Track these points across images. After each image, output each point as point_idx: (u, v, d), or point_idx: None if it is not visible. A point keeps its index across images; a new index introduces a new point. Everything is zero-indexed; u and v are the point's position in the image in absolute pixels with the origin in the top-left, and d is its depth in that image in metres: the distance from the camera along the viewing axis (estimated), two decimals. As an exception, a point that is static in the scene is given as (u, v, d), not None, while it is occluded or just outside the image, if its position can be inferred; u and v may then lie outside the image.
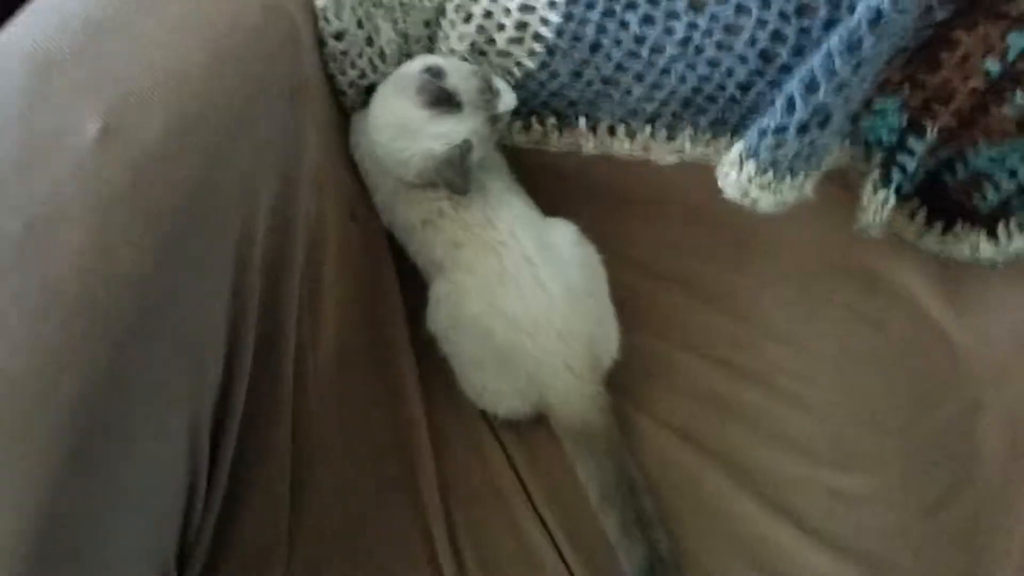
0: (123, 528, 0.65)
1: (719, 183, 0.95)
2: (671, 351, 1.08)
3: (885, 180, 1.01)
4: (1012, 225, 1.06)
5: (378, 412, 0.98)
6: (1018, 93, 0.93)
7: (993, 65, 0.91)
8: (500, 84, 1.00)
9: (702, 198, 1.03)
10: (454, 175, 0.95)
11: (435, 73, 0.97)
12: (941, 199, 1.08)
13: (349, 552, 0.90)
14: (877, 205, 1.02)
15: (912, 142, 0.98)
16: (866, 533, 1.01)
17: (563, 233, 1.02)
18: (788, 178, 0.94)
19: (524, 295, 0.96)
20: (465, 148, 0.95)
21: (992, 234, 1.07)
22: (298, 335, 0.88)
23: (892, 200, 1.01)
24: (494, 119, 0.98)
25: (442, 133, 0.96)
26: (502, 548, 0.94)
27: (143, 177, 0.66)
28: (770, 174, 0.92)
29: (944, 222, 1.10)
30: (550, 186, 1.11)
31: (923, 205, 1.09)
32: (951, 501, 1.04)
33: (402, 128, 0.96)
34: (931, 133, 0.96)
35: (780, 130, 0.89)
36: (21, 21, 0.72)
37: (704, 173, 1.04)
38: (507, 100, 1.00)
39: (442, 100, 0.95)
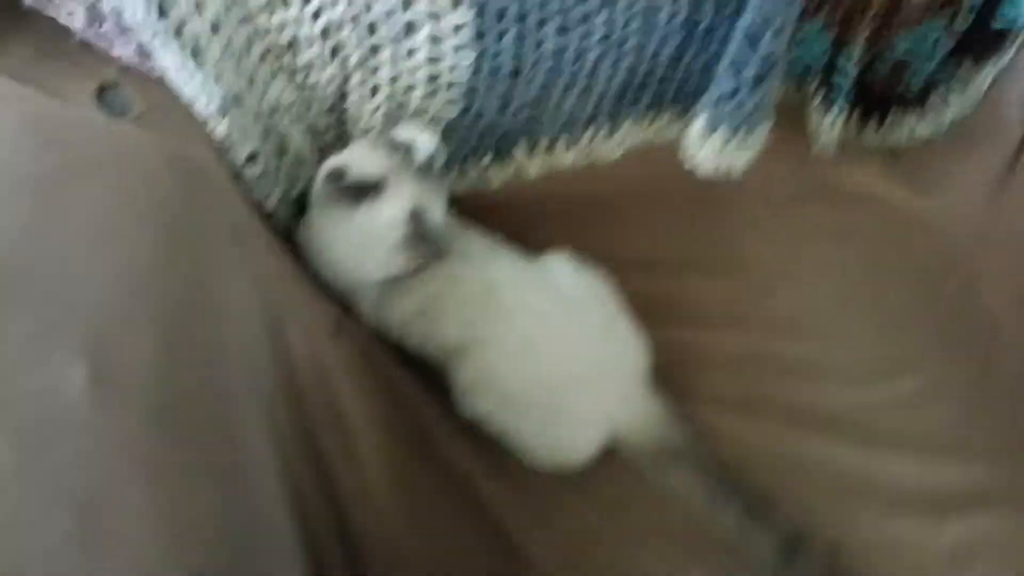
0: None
1: (688, 164, 0.92)
2: (695, 333, 1.06)
3: (827, 103, 1.00)
4: (938, 98, 1.08)
5: (453, 514, 0.91)
6: (922, -21, 0.93)
7: (896, -41, 0.91)
8: (406, 133, 0.91)
9: (655, 179, 1.00)
10: (426, 248, 0.88)
11: (337, 176, 0.88)
12: (869, 95, 1.09)
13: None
14: (827, 127, 1.02)
15: (842, 61, 0.98)
16: (936, 425, 1.02)
17: (560, 267, 0.97)
18: (753, 133, 0.92)
19: (555, 353, 0.91)
20: (417, 217, 0.88)
21: (924, 114, 1.09)
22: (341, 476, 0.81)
23: (840, 118, 1.00)
24: (426, 169, 0.90)
25: (387, 220, 0.88)
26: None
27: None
28: (737, 136, 0.90)
29: (879, 115, 1.11)
30: (507, 221, 1.05)
31: (856, 106, 1.09)
32: (991, 368, 1.06)
33: (354, 245, 0.89)
34: (858, 44, 0.96)
35: (734, 93, 0.87)
36: None
37: (649, 155, 1.01)
38: (421, 144, 0.90)
39: (360, 193, 0.87)
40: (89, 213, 0.70)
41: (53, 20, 0.83)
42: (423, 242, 0.88)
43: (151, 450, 0.60)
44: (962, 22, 0.96)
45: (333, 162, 0.89)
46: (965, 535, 0.94)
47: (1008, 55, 1.01)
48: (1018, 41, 0.99)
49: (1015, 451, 0.99)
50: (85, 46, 0.83)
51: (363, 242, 0.89)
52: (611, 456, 0.96)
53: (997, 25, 0.97)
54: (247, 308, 0.77)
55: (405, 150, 0.88)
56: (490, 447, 0.95)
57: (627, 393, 0.94)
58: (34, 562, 0.52)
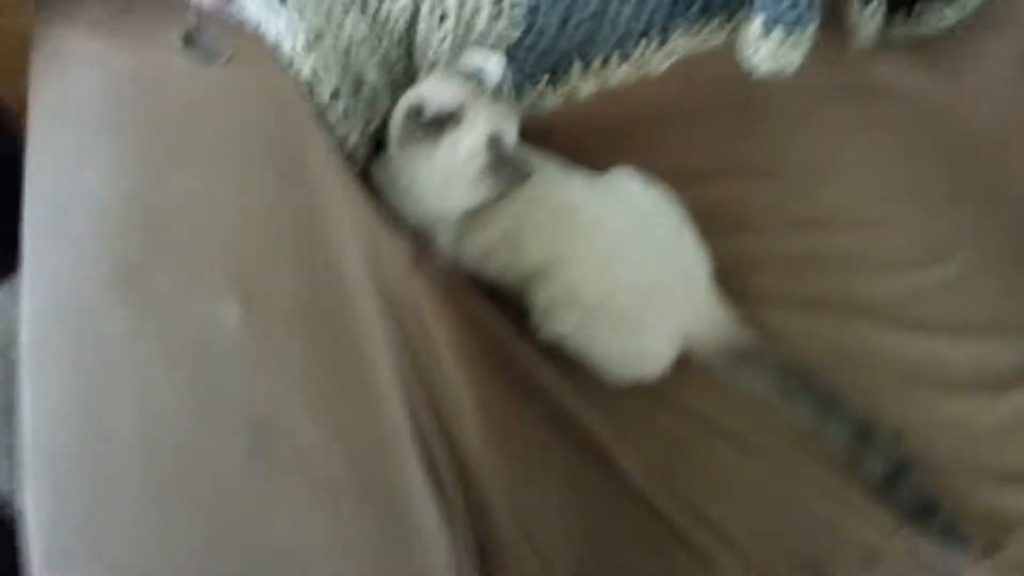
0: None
1: (748, 64, 0.95)
2: (747, 238, 1.10)
3: (867, -5, 1.03)
4: (964, -16, 1.12)
5: (544, 432, 0.95)
6: None
7: None
8: (474, 60, 0.93)
9: (695, 90, 1.03)
10: (509, 172, 0.91)
11: (416, 111, 0.90)
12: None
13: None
14: (868, 18, 1.05)
15: (882, -52, 1.00)
16: (982, 304, 1.08)
17: (626, 183, 1.00)
18: (806, 30, 0.95)
19: (638, 261, 0.95)
20: (496, 142, 0.90)
21: (949, 1, 1.13)
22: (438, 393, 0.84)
23: (882, 7, 1.03)
24: (497, 93, 0.92)
25: (468, 148, 0.90)
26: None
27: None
28: (795, 33, 0.93)
29: (907, 7, 1.15)
30: (559, 144, 1.07)
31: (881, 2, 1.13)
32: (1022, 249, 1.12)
33: (438, 178, 0.91)
34: (896, -67, 0.99)
35: (789, -10, 0.89)
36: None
37: (688, 67, 1.04)
38: (491, 69, 0.93)
39: (438, 126, 0.90)
40: (201, 156, 0.72)
41: (126, -25, 0.83)
42: (505, 167, 0.90)
43: (307, 368, 0.63)
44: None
45: (410, 99, 0.91)
46: (1017, 408, 1.00)
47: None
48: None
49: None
50: (162, -2, 0.83)
51: (447, 174, 0.91)
52: (688, 368, 1.00)
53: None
54: (353, 236, 0.79)
55: (476, 78, 0.90)
56: (572, 366, 0.98)
57: (698, 299, 0.98)
58: (217, 484, 0.55)
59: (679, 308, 0.96)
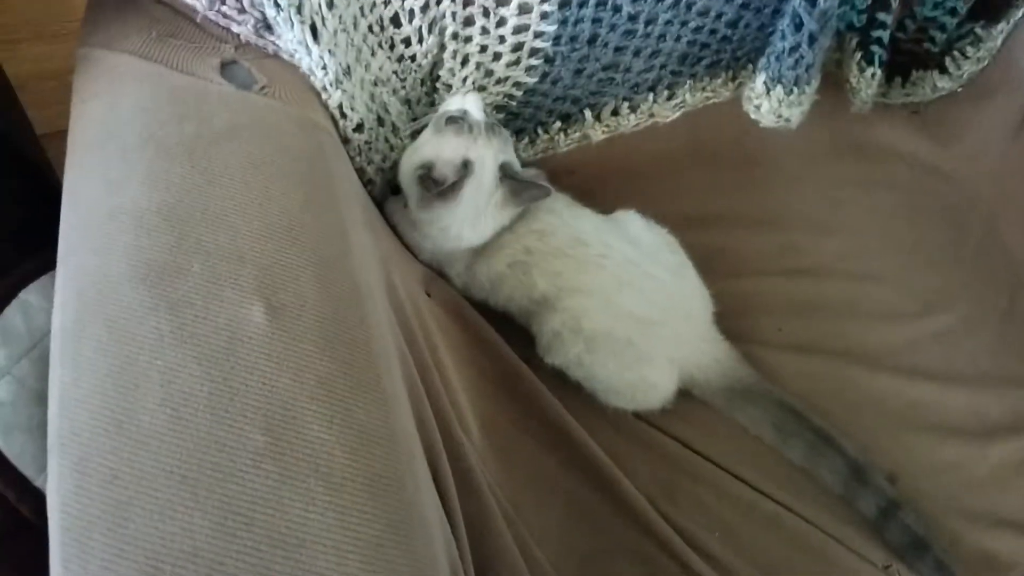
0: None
1: (752, 116, 1.01)
2: (750, 282, 1.14)
3: (868, 58, 1.09)
4: (958, 55, 1.18)
5: (547, 454, 0.97)
6: (956, -63, 1.03)
7: (930, -77, 1.00)
8: (454, 103, 0.97)
9: (703, 140, 1.08)
10: (528, 192, 0.97)
11: (427, 172, 0.95)
12: (895, 53, 1.18)
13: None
14: (867, 82, 1.10)
15: (881, 16, 1.06)
16: (974, 357, 1.12)
17: (633, 221, 1.04)
18: (807, 88, 1.01)
19: (644, 292, 0.98)
20: (507, 168, 0.96)
21: (943, 70, 1.19)
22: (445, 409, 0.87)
23: (879, 72, 1.09)
24: (488, 128, 0.96)
25: (486, 188, 0.96)
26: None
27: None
28: (795, 91, 0.98)
29: (901, 75, 1.21)
30: (570, 185, 1.11)
31: (882, 64, 1.19)
32: (1016, 302, 1.16)
33: (466, 218, 0.97)
34: (895, 2, 1.05)
35: (795, 48, 0.96)
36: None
37: (696, 118, 1.09)
38: (472, 107, 0.97)
39: (455, 182, 0.94)
40: (236, 171, 0.75)
41: (163, 5, 0.88)
42: (523, 189, 0.96)
43: (326, 371, 0.65)
44: (983, -21, 1.06)
45: (417, 166, 0.96)
46: (1008, 456, 1.04)
47: (1021, 11, 1.11)
48: (1031, -4, 1.09)
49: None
50: (200, 28, 0.88)
51: (475, 213, 0.96)
52: (690, 401, 1.03)
53: (1015, -19, 1.07)
54: (370, 257, 0.83)
55: (465, 122, 0.95)
56: (576, 393, 1.01)
57: (699, 335, 1.02)
58: (233, 477, 0.57)
59: (680, 342, 1.00)
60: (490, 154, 0.95)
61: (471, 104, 0.96)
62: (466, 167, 0.94)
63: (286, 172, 0.78)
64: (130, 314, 0.63)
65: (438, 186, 0.93)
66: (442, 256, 1.01)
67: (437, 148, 0.95)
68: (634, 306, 0.98)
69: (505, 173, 0.95)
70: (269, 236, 0.72)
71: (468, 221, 0.96)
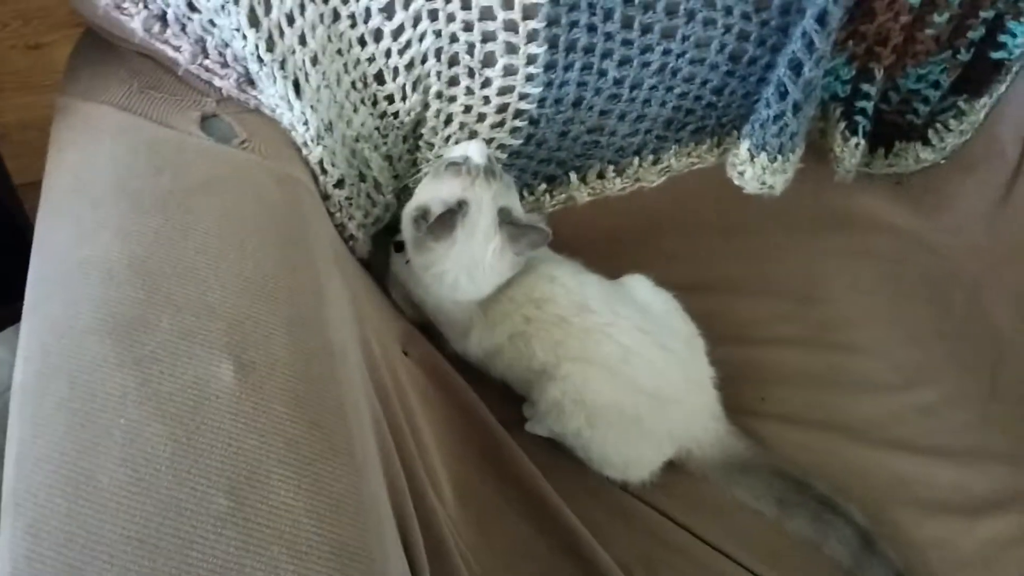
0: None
1: (736, 182, 1.00)
2: (732, 351, 1.11)
3: (852, 128, 1.10)
4: (941, 127, 1.19)
5: (523, 522, 0.94)
6: (935, 15, 1.04)
7: (914, -2, 1.02)
8: (456, 150, 0.95)
9: (690, 207, 1.08)
10: (527, 239, 0.93)
11: (422, 216, 0.92)
12: (879, 124, 1.19)
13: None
14: (851, 151, 1.11)
15: (865, 87, 1.07)
16: (959, 431, 1.10)
17: (640, 286, 1.02)
18: (791, 156, 1.01)
19: (654, 364, 0.95)
20: (506, 213, 0.93)
21: (927, 142, 1.20)
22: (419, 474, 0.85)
23: (863, 142, 1.10)
24: (488, 172, 0.93)
25: (482, 231, 0.92)
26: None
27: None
28: (779, 158, 0.98)
29: (884, 146, 1.22)
30: (558, 249, 1.10)
31: (865, 136, 1.20)
32: (999, 375, 1.15)
33: (464, 266, 0.93)
34: (879, 74, 1.06)
35: (779, 116, 0.96)
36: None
37: (683, 183, 1.09)
38: (474, 152, 0.94)
39: (450, 221, 0.92)
40: (211, 225, 0.74)
41: (146, 58, 0.88)
42: (522, 235, 0.92)
43: (295, 433, 0.63)
44: (965, 53, 1.07)
45: (413, 208, 0.94)
46: (995, 534, 1.01)
47: (1004, 85, 1.13)
48: (1013, 71, 1.11)
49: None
50: (182, 81, 0.88)
51: (472, 259, 0.93)
52: (676, 472, 1.01)
53: (995, 55, 1.08)
54: (345, 315, 0.81)
55: (465, 165, 0.92)
56: (556, 456, 0.99)
57: (711, 412, 0.99)
58: (193, 544, 0.55)
59: (688, 416, 0.97)
60: (487, 197, 0.92)
61: (473, 150, 0.94)
62: (461, 207, 0.91)
63: (262, 227, 0.76)
64: (94, 369, 0.61)
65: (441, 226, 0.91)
66: (443, 317, 0.98)
67: (434, 191, 0.93)
68: (645, 379, 0.94)
69: (503, 219, 0.92)
70: (242, 292, 0.70)
71: (464, 268, 0.92)
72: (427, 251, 0.93)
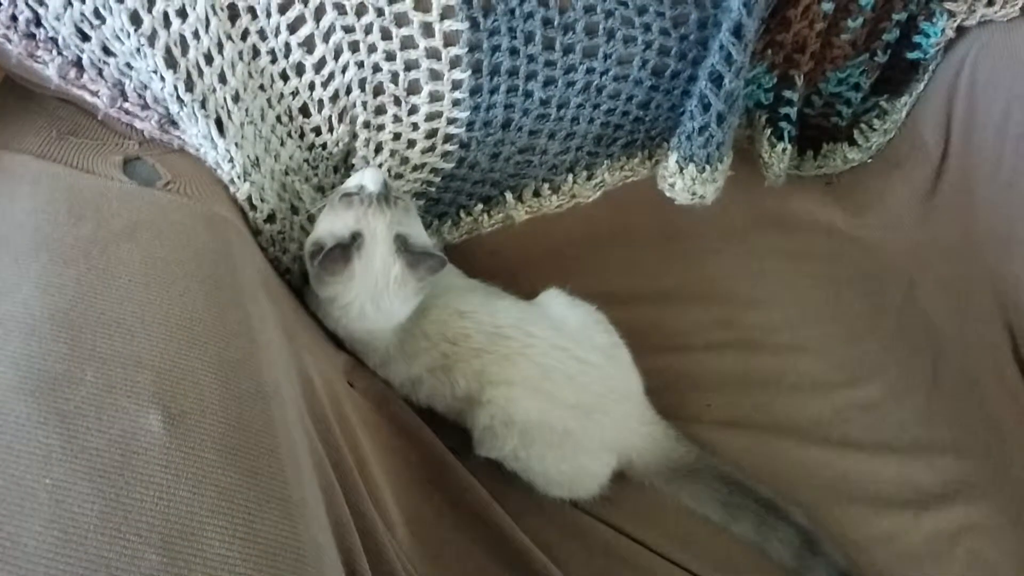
0: None
1: (667, 194, 1.01)
2: (676, 358, 1.14)
3: (777, 134, 1.12)
4: (865, 127, 1.22)
5: (477, 549, 0.94)
6: (849, 20, 1.07)
7: (827, 5, 1.04)
8: (352, 181, 0.94)
9: (625, 219, 1.09)
10: (427, 263, 0.93)
11: (317, 250, 0.91)
12: (805, 128, 1.22)
13: None
14: (779, 157, 1.13)
15: (788, 94, 1.09)
16: (901, 426, 1.12)
17: (557, 301, 1.03)
18: (719, 165, 1.03)
19: (575, 379, 0.96)
20: (403, 240, 0.93)
21: (853, 142, 1.23)
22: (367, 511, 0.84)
23: (789, 148, 1.12)
24: (381, 200, 0.92)
25: (379, 259, 0.92)
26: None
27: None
28: (708, 168, 1.00)
29: (812, 148, 1.25)
30: (496, 267, 1.11)
31: (793, 139, 1.22)
32: (938, 369, 1.17)
33: (367, 296, 0.93)
34: (799, 80, 1.08)
35: (704, 128, 0.97)
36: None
37: (618, 196, 1.10)
38: (368, 181, 0.93)
39: (345, 254, 0.91)
40: (135, 272, 0.73)
41: (66, 103, 0.87)
42: (421, 261, 0.92)
43: (228, 483, 0.62)
44: (882, 55, 1.10)
45: (307, 246, 0.93)
46: (942, 526, 1.03)
47: (922, 84, 1.15)
48: (929, 70, 1.14)
49: (973, 446, 1.09)
50: (102, 124, 0.87)
51: (374, 289, 0.92)
52: (625, 484, 1.02)
53: (911, 55, 1.11)
54: (280, 353, 0.81)
55: (359, 195, 0.91)
56: (507, 482, 0.99)
57: (637, 418, 1.00)
58: None
59: (619, 427, 0.98)
60: (381, 226, 0.91)
61: (368, 178, 0.92)
62: (355, 240, 0.91)
63: (188, 271, 0.76)
64: (17, 428, 0.60)
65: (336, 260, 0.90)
66: (359, 346, 0.98)
67: (329, 225, 0.92)
68: (566, 394, 0.95)
69: (400, 246, 0.92)
70: (169, 339, 0.70)
71: (369, 297, 0.92)
72: (327, 285, 0.92)
